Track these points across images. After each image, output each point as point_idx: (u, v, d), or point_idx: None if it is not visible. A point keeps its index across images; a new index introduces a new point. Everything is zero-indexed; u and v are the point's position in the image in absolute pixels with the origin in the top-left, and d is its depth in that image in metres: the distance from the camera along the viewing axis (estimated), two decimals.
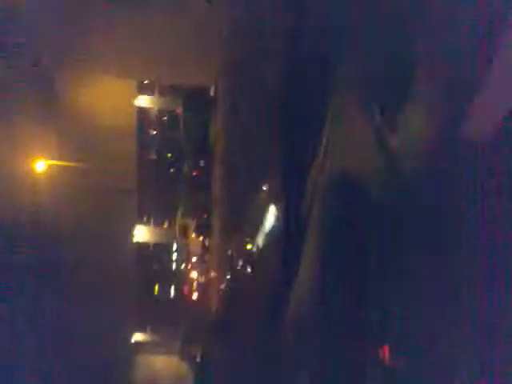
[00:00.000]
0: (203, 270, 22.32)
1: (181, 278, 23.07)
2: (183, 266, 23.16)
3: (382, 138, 8.52)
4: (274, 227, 13.77)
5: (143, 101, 20.86)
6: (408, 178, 7.81)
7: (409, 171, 7.87)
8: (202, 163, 21.37)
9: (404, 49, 8.02)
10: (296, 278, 10.73)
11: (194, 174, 21.57)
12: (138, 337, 22.47)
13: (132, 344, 21.95)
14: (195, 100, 20.86)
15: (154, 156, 21.63)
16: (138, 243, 21.61)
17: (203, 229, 22.04)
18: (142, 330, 22.35)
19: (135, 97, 20.34)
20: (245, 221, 16.24)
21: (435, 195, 7.33)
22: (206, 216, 21.86)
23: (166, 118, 21.72)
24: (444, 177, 7.22)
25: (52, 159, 18.08)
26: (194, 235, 22.57)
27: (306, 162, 10.64)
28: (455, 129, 6.93)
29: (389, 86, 8.41)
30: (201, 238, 22.52)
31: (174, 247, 23.00)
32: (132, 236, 21.42)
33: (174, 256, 23.06)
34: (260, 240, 14.99)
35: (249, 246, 16.14)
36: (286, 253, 11.85)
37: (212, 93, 20.76)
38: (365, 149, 8.85)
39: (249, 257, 16.17)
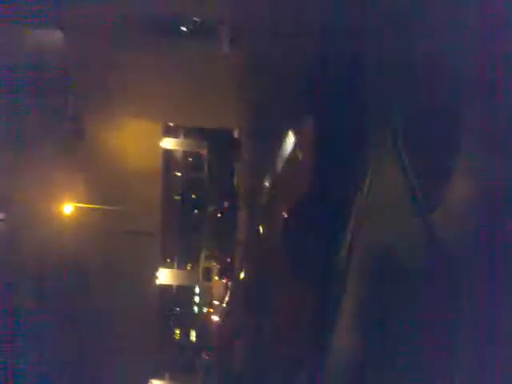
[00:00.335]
0: (226, 313, 21.96)
1: (203, 322, 22.71)
2: (205, 309, 22.85)
3: (420, 206, 8.46)
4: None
5: (168, 143, 21.04)
6: (447, 246, 7.70)
7: (448, 240, 7.77)
8: (226, 205, 21.31)
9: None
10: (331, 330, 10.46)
11: (219, 216, 21.48)
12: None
13: None
14: (220, 142, 21.00)
15: (178, 198, 21.64)
16: (160, 286, 21.41)
17: (227, 272, 21.80)
18: (160, 376, 21.91)
19: (161, 139, 20.55)
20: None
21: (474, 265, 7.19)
22: (229, 259, 21.65)
23: (190, 159, 21.84)
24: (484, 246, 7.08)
25: (79, 202, 18.24)
26: (217, 278, 22.32)
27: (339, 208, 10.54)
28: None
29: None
30: (224, 282, 22.25)
31: (197, 290, 22.72)
32: (155, 278, 21.27)
33: (197, 299, 22.76)
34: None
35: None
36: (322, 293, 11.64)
37: (236, 135, 20.93)
38: (402, 213, 8.85)
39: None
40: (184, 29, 20.65)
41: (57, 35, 18.26)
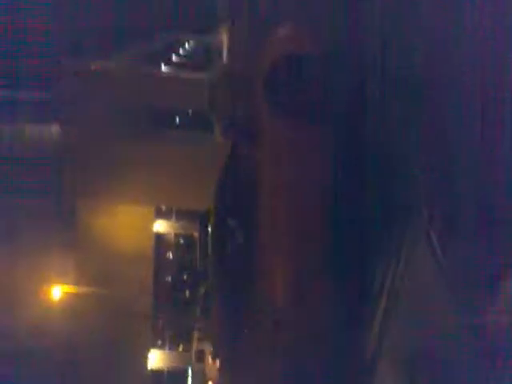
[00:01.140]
0: None
1: None
2: None
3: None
4: None
5: (160, 226, 21.65)
6: None
7: None
8: (218, 286, 21.53)
9: None
10: None
11: (211, 297, 21.65)
12: None
13: None
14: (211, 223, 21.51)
15: (169, 279, 21.97)
16: (152, 369, 21.34)
17: (220, 353, 21.68)
18: None
19: (153, 222, 21.17)
20: None
21: None
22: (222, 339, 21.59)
23: (182, 241, 22.36)
24: None
25: (69, 284, 18.62)
26: (210, 360, 22.18)
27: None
28: None
29: None
30: (217, 363, 22.09)
31: (190, 372, 22.55)
32: (146, 360, 21.24)
33: (189, 381, 22.54)
34: None
35: None
36: None
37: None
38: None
39: None
40: (177, 119, 21.84)
41: (54, 128, 19.39)
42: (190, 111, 22.44)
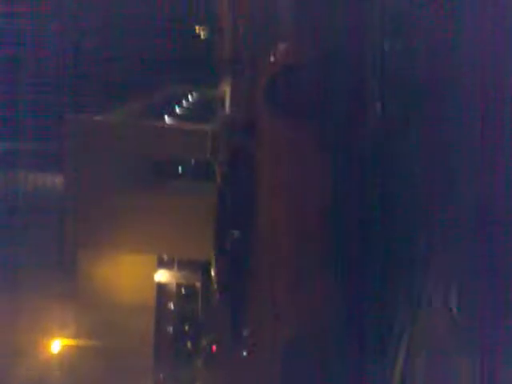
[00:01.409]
0: None
1: None
2: None
3: None
4: None
5: (162, 275, 21.53)
6: None
7: None
8: (220, 337, 21.21)
9: None
10: None
11: (213, 348, 21.30)
12: None
13: None
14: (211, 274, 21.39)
15: (171, 330, 21.69)
16: None
17: None
18: None
19: (155, 272, 21.06)
20: None
21: None
22: None
23: (184, 291, 22.20)
24: None
25: (68, 337, 18.38)
26: None
27: None
28: None
29: None
30: None
31: None
32: None
33: None
34: None
35: None
36: None
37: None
38: None
39: None
40: (180, 170, 22.08)
41: (57, 178, 19.60)
42: (193, 161, 22.70)
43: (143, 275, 20.49)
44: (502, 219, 8.78)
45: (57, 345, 18.16)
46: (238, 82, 22.47)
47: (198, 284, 21.77)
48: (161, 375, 21.01)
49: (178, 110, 24.66)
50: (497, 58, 8.42)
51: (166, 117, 22.81)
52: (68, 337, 18.41)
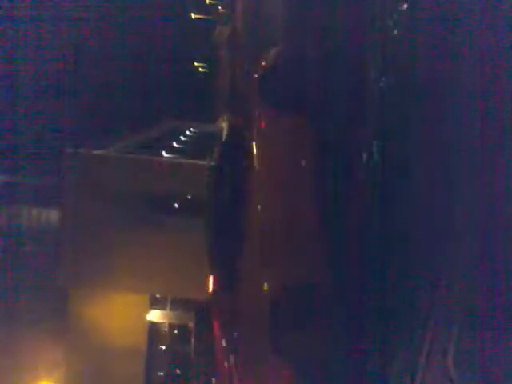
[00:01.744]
0: None
1: None
2: None
3: None
4: None
5: (154, 315, 20.90)
6: None
7: None
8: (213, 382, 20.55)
9: None
10: None
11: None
12: None
13: None
14: (207, 314, 20.83)
15: (161, 373, 20.94)
16: None
17: None
18: None
19: (147, 312, 20.44)
20: None
21: None
22: None
23: (176, 331, 21.53)
24: None
25: (57, 381, 17.63)
26: None
27: None
28: None
29: None
30: None
31: None
32: None
33: None
34: None
35: None
36: None
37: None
38: None
39: None
40: (176, 205, 21.64)
41: (53, 214, 19.13)
42: (189, 196, 22.33)
43: (135, 315, 19.88)
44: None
45: None
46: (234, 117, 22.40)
47: (191, 324, 21.14)
48: None
49: (175, 144, 24.41)
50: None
51: (163, 152, 22.54)
52: (57, 381, 17.65)
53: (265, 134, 13.38)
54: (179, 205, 22.00)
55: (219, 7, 33.11)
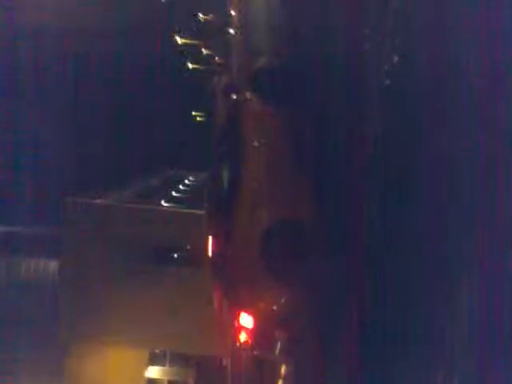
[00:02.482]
0: None
1: None
2: None
3: None
4: None
5: (154, 372, 20.12)
6: None
7: None
8: None
9: None
10: None
11: None
12: None
13: None
14: (207, 369, 20.09)
15: None
16: None
17: None
18: None
19: (145, 368, 19.69)
20: None
21: None
22: None
23: None
24: None
25: None
26: None
27: None
28: None
29: None
30: None
31: None
32: None
33: None
34: None
35: None
36: None
37: (225, 363, 20.11)
38: None
39: None
40: (175, 255, 21.23)
41: (52, 264, 18.68)
42: (189, 246, 21.96)
43: (134, 372, 19.13)
44: None
45: None
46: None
47: (191, 381, 20.33)
48: None
49: (174, 193, 24.22)
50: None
51: (162, 201, 22.32)
52: None
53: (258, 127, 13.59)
54: (178, 255, 21.58)
55: (216, 58, 33.66)
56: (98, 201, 19.52)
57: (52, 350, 17.72)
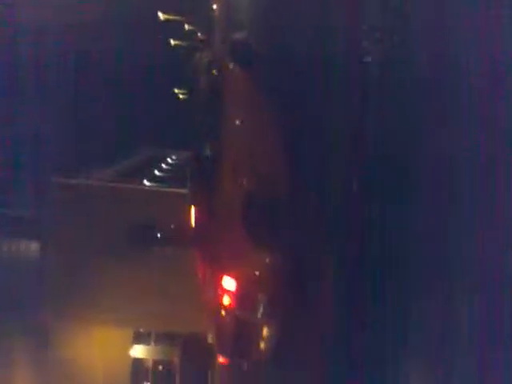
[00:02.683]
0: None
1: None
2: None
3: None
4: None
5: (138, 351, 20.14)
6: None
7: None
8: None
9: None
10: None
11: None
12: None
13: None
14: (193, 348, 20.17)
15: None
16: None
17: None
18: None
19: (130, 347, 19.71)
20: None
21: None
22: None
23: (161, 367, 20.75)
24: None
25: None
26: None
27: None
28: None
29: None
30: None
31: None
32: None
33: None
34: None
35: None
36: None
37: (210, 340, 20.21)
38: None
39: None
40: (159, 235, 21.13)
41: (33, 245, 18.51)
42: (172, 226, 21.87)
43: (118, 351, 19.14)
44: None
45: None
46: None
47: (176, 360, 20.41)
48: None
49: (157, 172, 24.05)
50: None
51: (145, 180, 22.14)
52: None
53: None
54: (162, 234, 21.49)
55: (198, 33, 33.16)
56: (79, 181, 19.29)
57: (34, 331, 17.62)
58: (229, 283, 12.13)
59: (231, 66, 13.29)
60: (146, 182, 21.93)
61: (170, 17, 29.72)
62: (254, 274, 11.98)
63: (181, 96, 30.28)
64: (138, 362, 20.14)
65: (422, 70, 9.20)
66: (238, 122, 13.10)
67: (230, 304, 12.09)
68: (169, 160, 26.62)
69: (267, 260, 11.82)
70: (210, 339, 20.29)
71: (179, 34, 32.13)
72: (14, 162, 18.78)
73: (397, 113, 9.95)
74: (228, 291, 12.08)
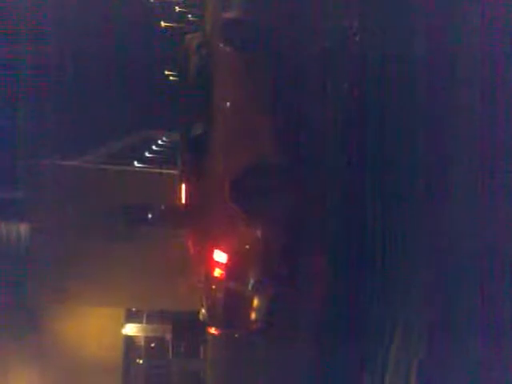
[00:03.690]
0: None
1: None
2: None
3: None
4: None
5: (130, 329, 20.45)
6: None
7: None
8: None
9: None
10: None
11: None
12: None
13: None
14: (184, 326, 20.48)
15: None
16: None
17: None
18: None
19: (122, 326, 19.98)
20: None
21: None
22: None
23: (153, 345, 21.13)
24: None
25: None
26: None
27: None
28: None
29: None
30: None
31: None
32: None
33: None
34: None
35: None
36: None
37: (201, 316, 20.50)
38: None
39: None
40: (150, 215, 21.25)
41: (22, 227, 18.62)
42: (163, 206, 21.97)
43: (110, 329, 19.39)
44: None
45: None
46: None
47: (168, 337, 20.75)
48: None
49: (147, 154, 24.10)
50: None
51: (135, 162, 22.19)
52: None
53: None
54: (152, 215, 21.63)
55: (189, 15, 33.03)
56: (69, 162, 19.35)
57: (24, 313, 17.81)
58: (220, 256, 12.39)
59: (222, 46, 13.27)
60: (136, 164, 21.99)
61: None
62: (245, 247, 12.22)
63: (171, 78, 30.29)
64: (130, 339, 20.49)
65: (416, 65, 9.23)
66: (227, 103, 13.18)
67: (221, 276, 12.35)
68: (159, 141, 26.67)
69: (258, 233, 12.06)
70: (201, 316, 20.63)
71: (170, 15, 32.03)
72: (2, 144, 18.84)
73: (390, 108, 10.01)
74: (219, 263, 12.34)
